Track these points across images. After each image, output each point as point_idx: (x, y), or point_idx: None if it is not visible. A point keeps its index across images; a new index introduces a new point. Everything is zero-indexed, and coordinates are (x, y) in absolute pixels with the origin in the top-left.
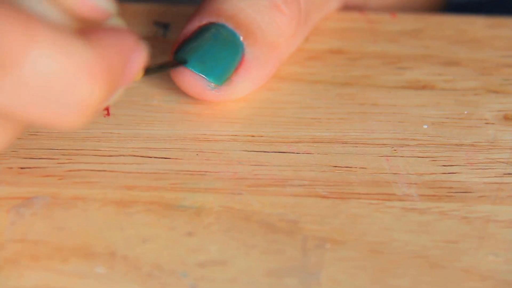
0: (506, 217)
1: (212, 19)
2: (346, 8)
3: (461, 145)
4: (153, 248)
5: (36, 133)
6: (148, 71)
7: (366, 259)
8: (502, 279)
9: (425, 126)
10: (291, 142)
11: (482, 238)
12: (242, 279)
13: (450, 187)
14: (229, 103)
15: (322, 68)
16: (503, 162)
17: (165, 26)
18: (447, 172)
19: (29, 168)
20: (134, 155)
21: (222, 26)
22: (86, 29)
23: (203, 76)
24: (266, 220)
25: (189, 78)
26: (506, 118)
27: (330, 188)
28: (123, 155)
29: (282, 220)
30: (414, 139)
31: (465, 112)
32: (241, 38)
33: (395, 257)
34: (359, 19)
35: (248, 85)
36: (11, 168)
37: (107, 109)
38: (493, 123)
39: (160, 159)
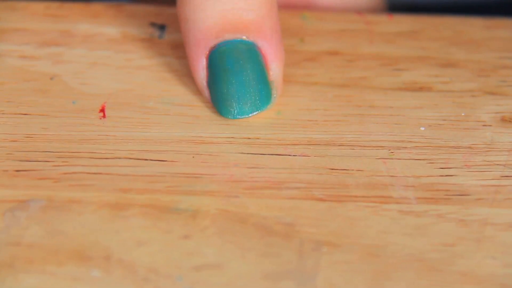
0: (503, 220)
1: (213, 41)
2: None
3: (458, 147)
4: (149, 251)
5: (32, 136)
6: None
7: (363, 262)
8: (500, 282)
9: (422, 128)
10: (288, 144)
11: (480, 241)
12: (238, 282)
13: (447, 190)
14: None
15: (319, 70)
16: (500, 165)
17: (161, 27)
18: (444, 175)
19: (25, 170)
20: (130, 158)
21: (230, 44)
22: None
23: (259, 112)
24: (262, 223)
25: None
26: (504, 120)
27: (327, 191)
28: (119, 158)
29: (278, 223)
30: (411, 141)
31: (463, 114)
32: (245, 38)
33: (392, 261)
34: (355, 20)
35: (282, 65)
36: (6, 170)
37: (103, 111)
38: (490, 125)
39: (156, 161)
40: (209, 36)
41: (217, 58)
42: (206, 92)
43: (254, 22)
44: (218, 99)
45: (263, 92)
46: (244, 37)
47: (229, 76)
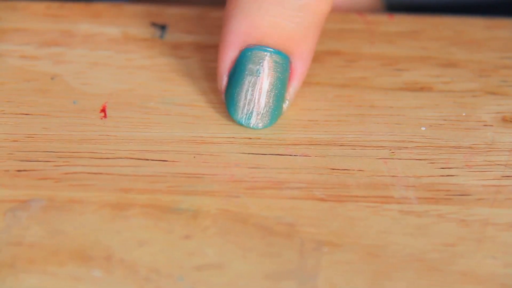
0: (504, 220)
1: (252, 40)
2: None
3: (459, 147)
4: (150, 251)
5: (33, 136)
6: None
7: (364, 262)
8: (500, 282)
9: (423, 128)
10: (289, 144)
11: (480, 241)
12: (239, 282)
13: (448, 190)
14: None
15: (320, 70)
16: (501, 165)
17: (162, 27)
18: (445, 175)
19: (26, 170)
20: (131, 158)
21: (267, 51)
22: None
23: (263, 128)
24: (263, 223)
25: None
26: (505, 120)
27: (328, 191)
28: (120, 158)
29: (279, 223)
30: (412, 141)
31: (463, 114)
32: (284, 51)
33: (392, 260)
34: (356, 21)
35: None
36: (8, 170)
37: (104, 111)
38: (491, 125)
39: (157, 161)
40: (250, 34)
41: (249, 58)
42: (223, 84)
43: (298, 38)
44: (231, 98)
45: (275, 110)
46: (282, 50)
47: (252, 82)
